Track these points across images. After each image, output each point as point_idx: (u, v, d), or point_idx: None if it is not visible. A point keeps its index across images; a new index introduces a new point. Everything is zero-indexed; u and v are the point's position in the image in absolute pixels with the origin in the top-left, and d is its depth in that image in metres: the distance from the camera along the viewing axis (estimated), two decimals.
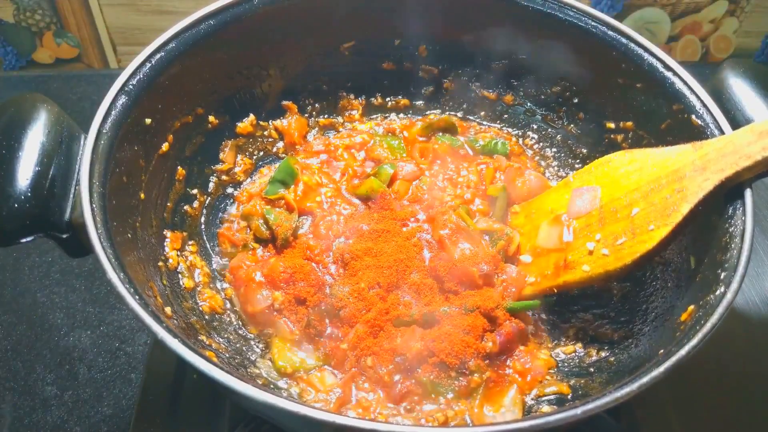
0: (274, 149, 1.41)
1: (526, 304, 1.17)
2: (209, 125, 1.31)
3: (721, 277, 0.93)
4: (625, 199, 1.08)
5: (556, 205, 1.21)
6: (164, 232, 1.19)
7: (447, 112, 1.50)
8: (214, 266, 1.24)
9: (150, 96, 1.11)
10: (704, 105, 1.10)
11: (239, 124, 1.37)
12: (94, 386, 1.27)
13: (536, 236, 1.21)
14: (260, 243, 1.24)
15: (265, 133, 1.41)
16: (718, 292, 0.91)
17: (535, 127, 1.46)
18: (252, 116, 1.39)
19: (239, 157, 1.37)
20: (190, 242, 1.23)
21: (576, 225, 1.15)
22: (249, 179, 1.35)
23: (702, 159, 0.99)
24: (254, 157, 1.39)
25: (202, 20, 1.19)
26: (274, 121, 1.42)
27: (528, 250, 1.22)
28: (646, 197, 1.05)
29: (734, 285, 0.91)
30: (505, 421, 0.97)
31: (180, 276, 1.17)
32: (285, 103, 1.42)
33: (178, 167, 1.24)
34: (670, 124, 1.17)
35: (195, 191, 1.28)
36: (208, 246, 1.26)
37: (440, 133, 1.42)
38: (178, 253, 1.19)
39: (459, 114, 1.50)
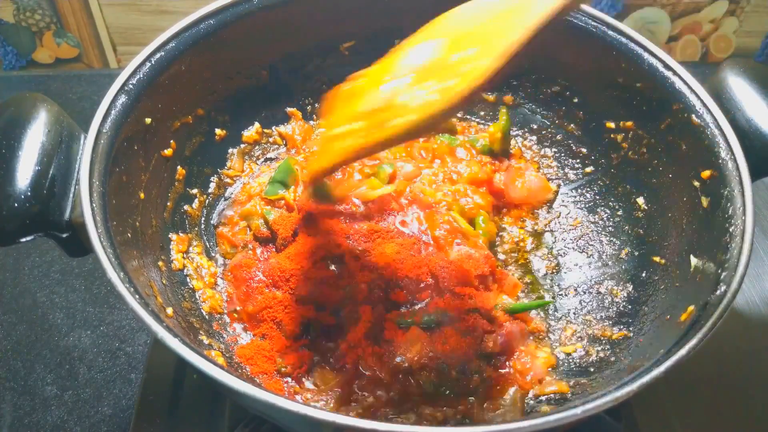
0: (279, 155, 1.41)
1: (528, 305, 1.17)
2: (216, 137, 1.32)
3: (722, 277, 0.93)
4: (466, 43, 0.92)
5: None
6: (170, 235, 1.19)
7: None
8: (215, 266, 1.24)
9: (150, 96, 1.11)
10: (704, 105, 1.10)
11: (245, 133, 1.38)
12: (94, 386, 1.27)
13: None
14: (260, 242, 1.24)
15: (270, 139, 1.41)
16: (718, 292, 0.91)
17: (534, 127, 1.46)
18: (257, 125, 1.39)
19: (246, 162, 1.37)
20: (194, 243, 1.23)
21: (411, 77, 0.93)
22: (249, 180, 1.35)
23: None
24: (260, 162, 1.39)
25: (201, 20, 1.19)
26: (278, 128, 1.42)
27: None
28: (483, 36, 0.92)
29: (734, 285, 0.91)
30: (505, 421, 0.97)
31: (189, 279, 1.18)
32: (289, 110, 1.43)
33: (178, 167, 1.24)
34: (670, 123, 1.17)
35: (195, 191, 1.28)
36: (207, 246, 1.26)
37: (439, 135, 1.42)
38: (184, 255, 1.19)
39: (459, 114, 1.49)
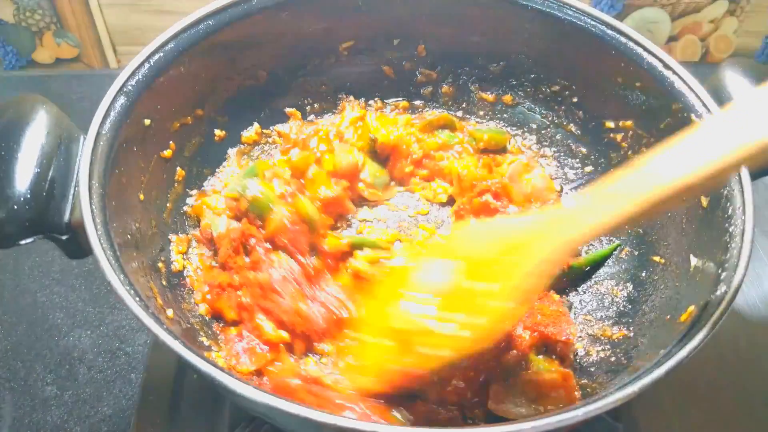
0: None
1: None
2: (216, 138, 1.32)
3: (722, 276, 0.93)
4: (484, 274, 0.92)
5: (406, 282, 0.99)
6: (169, 236, 1.19)
7: (446, 112, 1.49)
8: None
9: (149, 96, 1.11)
10: (704, 104, 1.10)
11: (244, 134, 1.38)
12: (94, 386, 1.27)
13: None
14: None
15: (270, 140, 1.41)
16: (718, 292, 0.91)
17: (534, 126, 1.46)
18: (257, 125, 1.39)
19: (245, 163, 1.37)
20: (194, 245, 1.23)
21: (436, 301, 0.94)
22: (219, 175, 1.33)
23: (544, 229, 0.90)
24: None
25: (201, 20, 1.19)
26: (277, 128, 1.42)
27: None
28: (500, 272, 0.91)
29: (735, 285, 0.91)
30: (505, 422, 0.97)
31: (189, 279, 1.18)
32: (288, 110, 1.42)
33: (178, 168, 1.24)
34: (670, 123, 1.17)
35: (194, 192, 1.28)
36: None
37: (438, 130, 1.42)
38: (184, 256, 1.19)
39: (458, 113, 1.49)
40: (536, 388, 1.02)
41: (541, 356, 1.07)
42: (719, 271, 0.95)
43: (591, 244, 1.29)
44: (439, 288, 0.93)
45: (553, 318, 1.10)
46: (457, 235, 1.05)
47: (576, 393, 1.03)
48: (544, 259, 0.88)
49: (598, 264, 1.25)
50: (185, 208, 1.25)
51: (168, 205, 1.21)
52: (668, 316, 1.05)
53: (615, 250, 1.25)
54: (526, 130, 1.46)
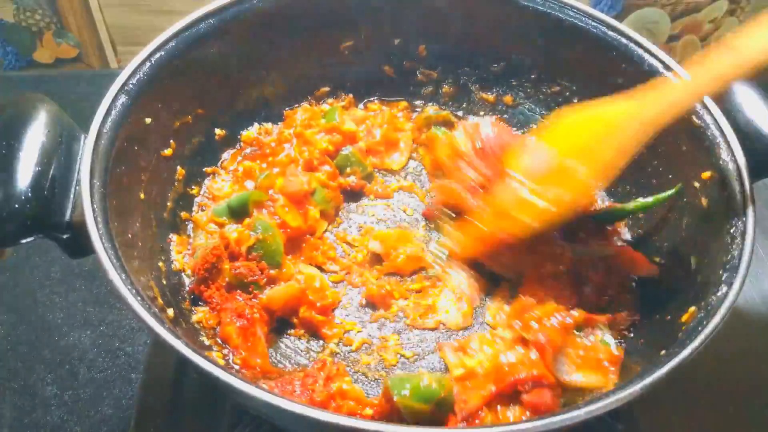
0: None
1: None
2: (216, 137, 1.32)
3: (723, 277, 0.94)
4: (575, 157, 1.07)
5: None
6: (170, 236, 1.19)
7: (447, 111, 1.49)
8: None
9: (150, 96, 1.11)
10: (704, 105, 1.10)
11: (244, 133, 1.38)
12: (94, 386, 1.27)
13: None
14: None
15: (269, 139, 1.41)
16: (719, 293, 0.91)
17: (534, 127, 1.46)
18: (257, 125, 1.39)
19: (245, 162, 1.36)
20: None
21: (534, 179, 1.10)
22: (212, 181, 1.32)
23: (634, 110, 1.05)
24: (258, 161, 1.38)
25: (201, 20, 1.19)
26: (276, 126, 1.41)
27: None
28: (589, 153, 1.07)
29: (736, 285, 0.91)
30: (506, 422, 0.97)
31: (189, 279, 1.17)
32: (288, 111, 1.42)
33: (178, 167, 1.24)
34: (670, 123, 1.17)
35: (195, 191, 1.28)
36: None
37: (434, 126, 1.42)
38: (185, 255, 1.19)
39: (459, 113, 1.49)
40: (586, 358, 1.05)
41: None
42: (720, 272, 0.95)
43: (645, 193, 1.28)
44: (536, 169, 1.10)
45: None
46: (556, 124, 1.15)
47: (611, 376, 1.04)
48: (623, 139, 1.04)
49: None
50: (182, 213, 1.25)
51: (168, 204, 1.21)
52: (669, 317, 1.05)
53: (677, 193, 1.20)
54: (526, 130, 1.46)
